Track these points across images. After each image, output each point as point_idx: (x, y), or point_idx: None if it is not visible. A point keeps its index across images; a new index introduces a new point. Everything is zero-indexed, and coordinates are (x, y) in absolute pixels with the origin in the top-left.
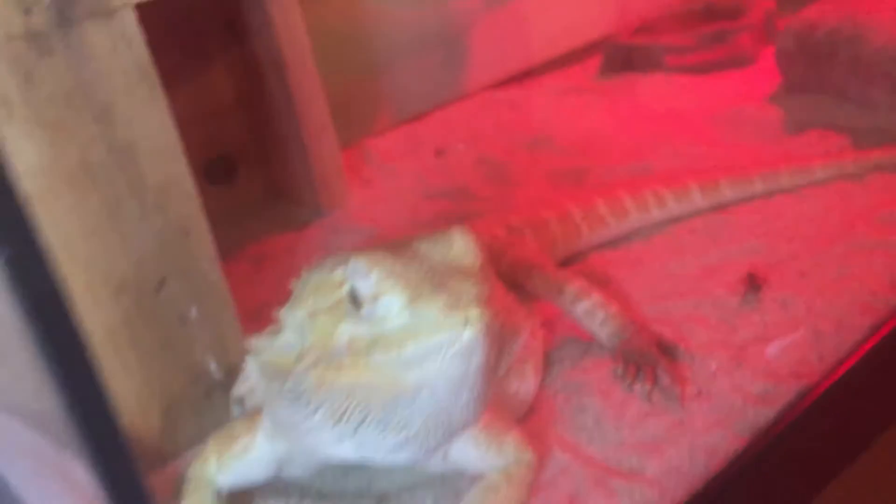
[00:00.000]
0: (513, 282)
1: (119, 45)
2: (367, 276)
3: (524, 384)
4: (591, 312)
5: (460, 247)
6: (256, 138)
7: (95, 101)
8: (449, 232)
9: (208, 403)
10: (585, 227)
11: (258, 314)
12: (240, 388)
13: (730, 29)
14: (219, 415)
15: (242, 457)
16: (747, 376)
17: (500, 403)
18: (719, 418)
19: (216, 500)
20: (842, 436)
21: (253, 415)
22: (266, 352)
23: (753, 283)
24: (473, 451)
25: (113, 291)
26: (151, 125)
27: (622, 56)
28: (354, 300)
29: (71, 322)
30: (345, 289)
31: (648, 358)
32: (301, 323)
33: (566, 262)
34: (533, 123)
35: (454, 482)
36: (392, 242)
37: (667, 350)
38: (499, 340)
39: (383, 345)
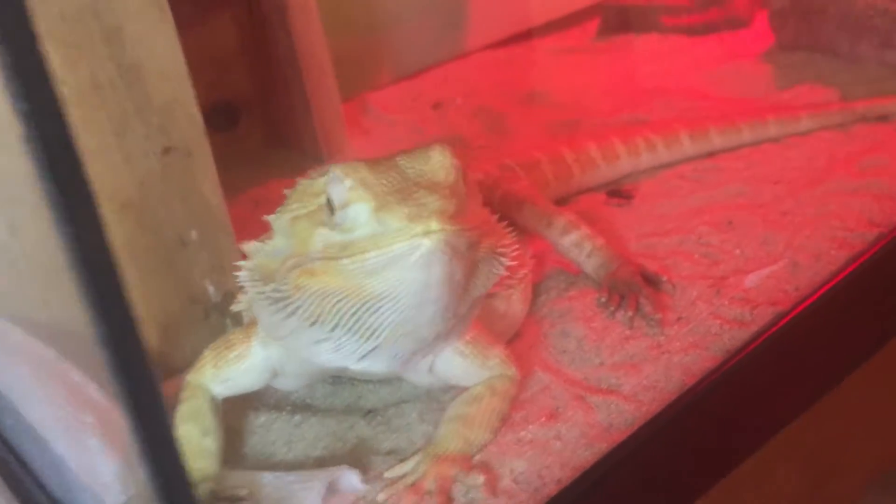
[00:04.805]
0: (504, 215)
1: None
2: (341, 183)
3: (511, 308)
4: (579, 244)
5: (436, 162)
6: (259, 85)
7: (106, 22)
8: (428, 147)
9: (206, 325)
10: (577, 168)
11: None
12: (238, 305)
13: None
14: (216, 336)
15: (238, 363)
16: (725, 303)
17: (488, 322)
18: (696, 340)
19: (212, 407)
20: (815, 361)
21: (249, 325)
22: (257, 255)
23: (625, 195)
24: (459, 363)
25: (117, 209)
26: (159, 47)
27: (619, 17)
28: (330, 207)
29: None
30: (323, 196)
31: (632, 287)
32: (286, 227)
33: (558, 203)
34: (529, 80)
35: (439, 398)
36: (377, 158)
37: (650, 280)
38: (468, 256)
39: (351, 251)
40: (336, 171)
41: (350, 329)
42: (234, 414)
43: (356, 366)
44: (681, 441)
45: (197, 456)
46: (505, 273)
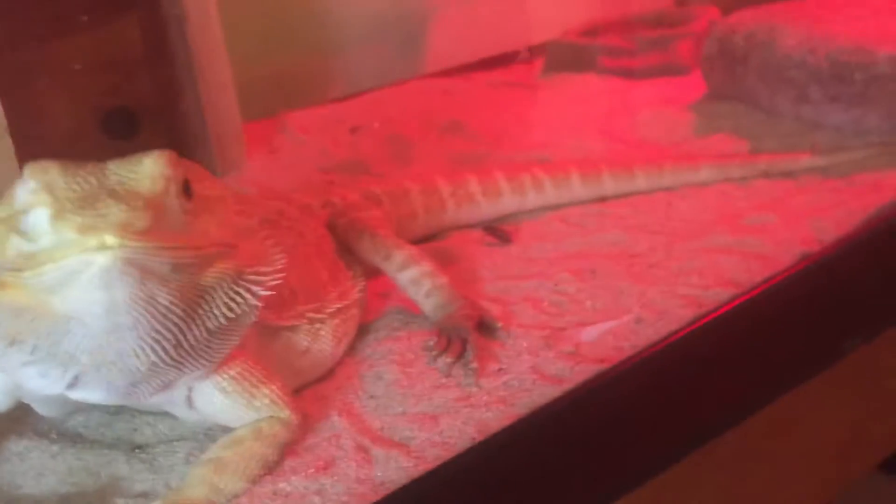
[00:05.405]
0: (345, 245)
1: None
2: (25, 184)
3: (317, 345)
4: (417, 282)
5: (145, 169)
6: (162, 94)
7: None
8: (144, 154)
9: None
10: (452, 203)
11: None
12: None
13: (670, 36)
14: None
15: None
16: (551, 357)
17: (278, 357)
18: (506, 395)
19: None
20: (628, 434)
21: None
22: None
23: (499, 236)
24: (219, 400)
25: None
26: None
27: (563, 55)
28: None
29: None
30: None
31: (461, 332)
32: None
33: (427, 238)
34: (454, 110)
35: (217, 438)
36: (85, 162)
37: (485, 327)
38: (179, 279)
39: (31, 263)
40: (25, 170)
41: (48, 353)
42: None
43: (72, 395)
44: None
45: None
46: (257, 302)
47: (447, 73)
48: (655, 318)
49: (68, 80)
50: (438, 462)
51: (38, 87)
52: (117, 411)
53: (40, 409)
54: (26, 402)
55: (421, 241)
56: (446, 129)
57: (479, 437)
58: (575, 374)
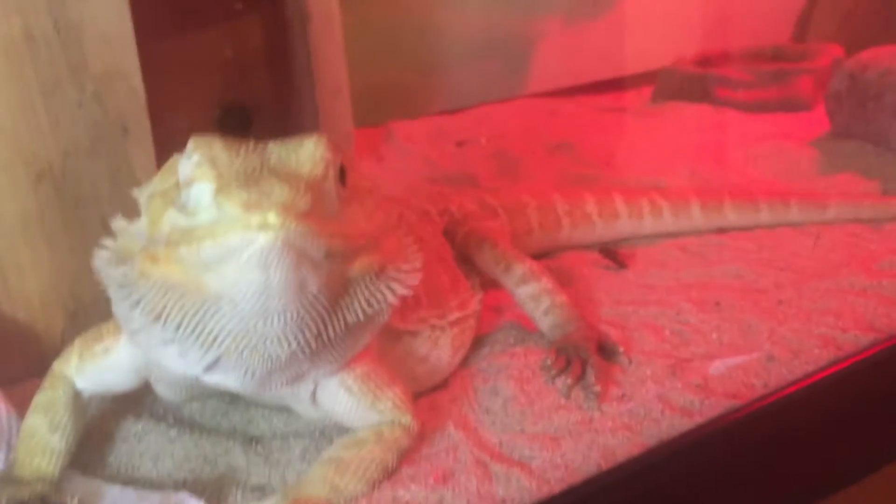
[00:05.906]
0: (464, 254)
1: None
2: (189, 158)
3: (437, 352)
4: (536, 298)
5: (305, 153)
6: (276, 92)
7: None
8: (305, 137)
9: None
10: (567, 221)
11: None
12: None
13: (791, 70)
14: None
15: (103, 358)
16: (677, 387)
17: (397, 362)
18: (631, 422)
19: (69, 402)
20: (753, 474)
21: None
22: (121, 236)
23: (615, 259)
24: (344, 398)
25: (34, 177)
26: (106, 10)
27: (676, 84)
28: (179, 184)
29: None
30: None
31: (581, 353)
32: (146, 205)
33: (541, 255)
34: (562, 131)
35: (333, 437)
36: (248, 140)
37: (605, 350)
38: (329, 268)
39: (189, 238)
40: (189, 143)
41: (193, 331)
42: (112, 416)
43: (207, 378)
44: None
45: (37, 452)
46: (395, 300)
47: (552, 94)
48: (789, 357)
49: (191, 75)
50: (562, 485)
51: (163, 78)
52: (233, 401)
53: (162, 392)
54: (152, 382)
55: (534, 258)
56: (554, 149)
57: (605, 464)
58: (705, 408)
